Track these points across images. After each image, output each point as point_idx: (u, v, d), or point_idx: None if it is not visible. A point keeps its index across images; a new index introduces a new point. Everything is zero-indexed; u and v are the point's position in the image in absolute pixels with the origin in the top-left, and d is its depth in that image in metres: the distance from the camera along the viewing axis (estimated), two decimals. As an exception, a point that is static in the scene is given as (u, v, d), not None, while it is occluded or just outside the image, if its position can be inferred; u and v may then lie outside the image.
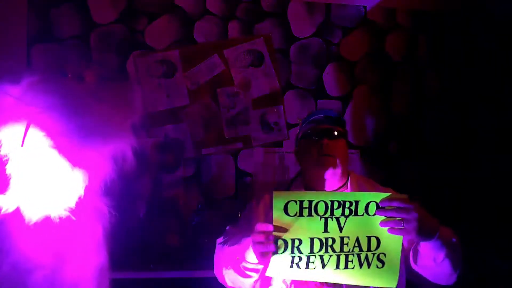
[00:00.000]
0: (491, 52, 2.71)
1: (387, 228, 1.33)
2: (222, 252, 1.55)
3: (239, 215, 1.87)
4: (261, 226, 1.34)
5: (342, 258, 1.38)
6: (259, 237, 1.33)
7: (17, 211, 1.06)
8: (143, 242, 2.37)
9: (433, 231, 1.32)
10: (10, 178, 1.07)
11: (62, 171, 1.08)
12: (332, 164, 1.54)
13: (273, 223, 1.34)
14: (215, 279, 1.64)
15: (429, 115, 2.78)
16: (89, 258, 1.14)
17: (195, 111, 2.56)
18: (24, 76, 1.13)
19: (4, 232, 1.05)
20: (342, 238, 1.37)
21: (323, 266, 1.38)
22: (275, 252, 1.34)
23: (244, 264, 1.45)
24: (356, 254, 1.38)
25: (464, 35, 2.81)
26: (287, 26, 2.68)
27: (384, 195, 1.35)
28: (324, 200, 1.35)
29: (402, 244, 1.38)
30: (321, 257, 1.38)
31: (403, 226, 1.30)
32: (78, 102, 1.13)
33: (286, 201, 1.34)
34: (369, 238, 1.37)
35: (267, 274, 1.39)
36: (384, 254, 1.37)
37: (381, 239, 1.37)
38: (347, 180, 1.62)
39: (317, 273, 1.39)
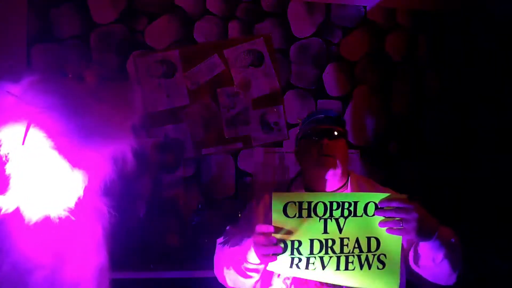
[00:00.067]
0: (491, 52, 2.71)
1: (386, 228, 1.33)
2: (222, 252, 1.55)
3: (239, 215, 1.87)
4: (261, 228, 1.34)
5: (342, 259, 1.38)
6: (260, 238, 1.33)
7: (17, 211, 1.06)
8: (143, 242, 2.37)
9: (432, 231, 1.32)
10: (10, 178, 1.07)
11: (62, 171, 1.08)
12: (332, 164, 1.54)
13: (272, 224, 1.34)
14: (215, 279, 1.64)
15: (429, 115, 2.78)
16: (89, 258, 1.14)
17: (195, 111, 2.56)
18: (24, 76, 1.13)
19: (4, 232, 1.05)
20: (342, 239, 1.37)
21: (323, 267, 1.38)
22: (276, 253, 1.34)
23: (245, 264, 1.45)
24: (356, 255, 1.37)
25: (464, 35, 2.81)
26: (287, 26, 2.68)
27: (383, 195, 1.35)
28: (323, 201, 1.35)
29: (402, 244, 1.38)
30: (321, 258, 1.37)
31: (402, 226, 1.30)
32: (78, 102, 1.13)
33: (285, 203, 1.34)
34: (369, 239, 1.37)
35: (268, 268, 1.40)
36: (385, 255, 1.37)
37: (381, 240, 1.36)
38: (347, 180, 1.62)
39: (317, 274, 1.39)
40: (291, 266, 1.38)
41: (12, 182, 1.07)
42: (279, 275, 1.50)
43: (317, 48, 2.71)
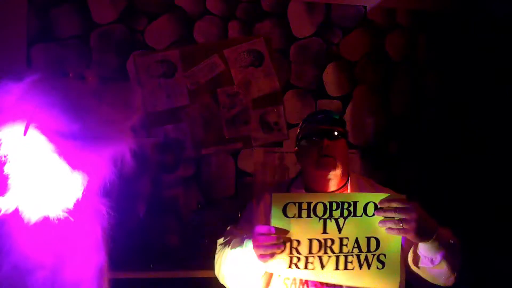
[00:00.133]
0: (491, 52, 2.70)
1: (386, 228, 1.33)
2: (223, 253, 1.56)
3: (239, 215, 1.87)
4: (261, 228, 1.35)
5: (341, 259, 1.38)
6: (260, 238, 1.33)
7: (17, 211, 1.06)
8: (143, 242, 2.37)
9: (431, 232, 1.32)
10: (9, 179, 1.07)
11: (61, 172, 1.08)
12: (332, 165, 1.54)
13: (272, 225, 1.34)
14: (215, 279, 1.64)
15: (429, 115, 2.78)
16: (89, 258, 1.14)
17: (195, 111, 2.56)
18: (24, 76, 1.13)
19: (4, 233, 1.05)
20: (341, 239, 1.37)
21: (322, 266, 1.38)
22: (274, 252, 1.34)
23: (245, 265, 1.45)
24: (356, 255, 1.37)
25: (464, 35, 2.80)
26: (287, 26, 2.68)
27: (383, 195, 1.35)
28: (323, 201, 1.36)
29: (402, 245, 1.38)
30: (320, 258, 1.38)
31: (401, 226, 1.30)
32: (79, 101, 1.13)
33: (285, 203, 1.35)
34: (368, 239, 1.37)
35: (267, 270, 1.40)
36: (384, 255, 1.37)
37: (380, 240, 1.36)
38: (347, 180, 1.62)
39: (316, 274, 1.39)
40: (290, 266, 1.38)
41: (11, 182, 1.07)
42: (279, 276, 1.50)
43: (317, 48, 2.71)
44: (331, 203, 1.35)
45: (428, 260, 1.38)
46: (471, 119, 2.77)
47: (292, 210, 1.35)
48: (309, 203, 1.35)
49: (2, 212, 1.04)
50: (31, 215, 1.06)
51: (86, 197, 1.12)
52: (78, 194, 1.10)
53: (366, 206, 1.35)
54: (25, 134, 1.05)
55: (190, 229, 2.47)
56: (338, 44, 2.73)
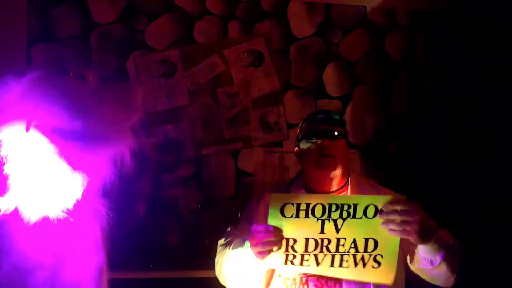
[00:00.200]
0: (491, 52, 2.70)
1: (387, 230, 1.33)
2: (223, 253, 1.56)
3: (239, 215, 1.87)
4: (258, 226, 1.35)
5: (337, 257, 1.38)
6: (257, 236, 1.34)
7: (16, 211, 1.06)
8: (143, 242, 2.37)
9: (431, 234, 1.33)
10: (9, 179, 1.07)
11: (61, 172, 1.08)
12: (332, 165, 1.54)
13: (268, 223, 1.35)
14: (215, 279, 1.64)
15: (429, 115, 2.78)
16: (89, 259, 1.14)
17: (195, 111, 2.56)
18: (25, 76, 1.13)
19: (4, 233, 1.05)
20: (338, 239, 1.37)
21: (317, 264, 1.39)
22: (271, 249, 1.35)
23: (246, 265, 1.45)
24: (352, 254, 1.38)
25: (463, 35, 2.80)
26: (287, 26, 2.68)
27: (383, 197, 1.36)
28: (322, 203, 1.36)
29: (401, 246, 1.38)
30: (316, 256, 1.38)
31: (404, 228, 1.30)
32: (79, 101, 1.13)
33: (283, 203, 1.35)
34: (366, 240, 1.37)
35: (266, 266, 1.41)
36: (381, 256, 1.38)
37: (378, 241, 1.37)
38: (348, 180, 1.62)
39: (311, 269, 1.40)
40: (285, 263, 1.39)
41: (11, 182, 1.07)
42: (279, 276, 1.50)
43: (317, 48, 2.71)
44: (330, 205, 1.35)
45: (428, 261, 1.39)
46: (470, 119, 2.77)
47: (290, 210, 1.36)
48: (307, 204, 1.35)
49: (2, 212, 1.04)
50: (31, 215, 1.06)
51: (86, 197, 1.12)
52: (78, 194, 1.10)
53: (367, 209, 1.35)
54: (27, 130, 1.05)
55: (190, 229, 2.47)
56: (338, 44, 2.73)
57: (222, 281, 1.59)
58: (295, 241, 1.37)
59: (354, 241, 1.37)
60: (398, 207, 1.31)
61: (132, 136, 1.19)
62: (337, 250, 1.37)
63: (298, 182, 1.69)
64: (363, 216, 1.35)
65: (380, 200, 1.35)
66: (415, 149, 2.74)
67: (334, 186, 1.58)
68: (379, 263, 1.38)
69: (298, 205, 1.35)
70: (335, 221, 1.36)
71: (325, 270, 1.40)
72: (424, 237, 1.31)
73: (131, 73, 2.51)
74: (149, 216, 2.44)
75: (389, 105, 2.76)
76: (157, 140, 2.51)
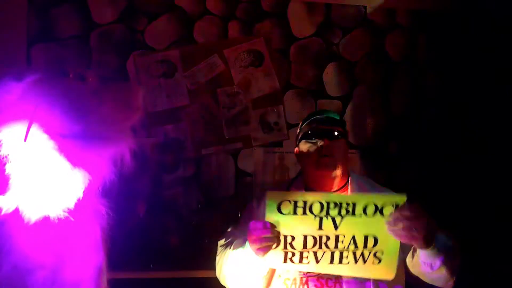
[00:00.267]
0: (491, 52, 2.70)
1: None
2: (224, 254, 1.56)
3: (239, 215, 1.87)
4: (256, 223, 1.35)
5: (337, 254, 1.38)
6: (255, 233, 1.34)
7: (17, 211, 1.06)
8: (143, 242, 2.37)
9: (432, 238, 1.33)
10: (10, 178, 1.07)
11: (62, 172, 1.08)
12: (332, 165, 1.54)
13: (266, 220, 1.35)
14: (215, 279, 1.64)
15: (429, 115, 2.78)
16: (89, 258, 1.14)
17: (195, 111, 2.56)
18: (25, 76, 1.13)
19: (4, 233, 1.05)
20: (337, 236, 1.37)
21: (317, 261, 1.38)
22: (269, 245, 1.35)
23: (246, 265, 1.45)
24: (352, 251, 1.37)
25: (464, 35, 2.80)
26: (287, 26, 2.68)
27: (382, 196, 1.36)
28: (320, 201, 1.35)
29: (400, 247, 1.38)
30: (315, 253, 1.38)
31: (411, 233, 1.30)
32: (79, 101, 1.13)
33: (280, 201, 1.35)
34: (366, 237, 1.37)
35: (266, 265, 1.41)
36: (382, 252, 1.37)
37: (378, 238, 1.36)
38: (348, 180, 1.62)
39: (311, 267, 1.40)
40: (285, 261, 1.38)
41: (12, 182, 1.07)
42: (279, 276, 1.50)
43: (317, 48, 2.71)
44: (328, 203, 1.35)
45: (428, 265, 1.39)
46: (471, 119, 2.77)
47: (287, 207, 1.35)
48: (305, 202, 1.35)
49: (3, 212, 1.04)
50: (32, 214, 1.06)
51: (86, 197, 1.12)
52: (79, 194, 1.10)
53: (366, 207, 1.35)
54: (25, 140, 1.05)
55: (190, 229, 2.47)
56: (338, 44, 2.73)
57: (223, 281, 1.59)
58: (293, 238, 1.36)
59: (353, 238, 1.36)
60: (406, 213, 1.30)
61: (132, 136, 1.19)
62: (336, 247, 1.37)
63: (298, 182, 1.69)
64: (363, 215, 1.35)
65: (380, 199, 1.35)
66: (415, 149, 2.74)
67: (334, 186, 1.58)
68: (379, 259, 1.37)
69: (295, 202, 1.35)
70: (333, 218, 1.36)
71: (325, 267, 1.39)
72: (428, 243, 1.31)
73: (131, 73, 2.51)
74: (149, 216, 2.43)
75: (389, 105, 2.76)
76: (157, 140, 2.51)
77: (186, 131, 2.54)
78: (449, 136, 2.77)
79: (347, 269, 1.40)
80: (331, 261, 1.38)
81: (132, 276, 2.26)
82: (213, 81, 2.58)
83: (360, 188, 1.60)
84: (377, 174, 2.63)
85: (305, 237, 1.36)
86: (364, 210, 1.35)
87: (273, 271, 1.51)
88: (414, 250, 1.41)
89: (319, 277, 1.46)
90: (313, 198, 1.36)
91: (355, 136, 2.69)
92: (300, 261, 1.38)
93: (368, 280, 1.43)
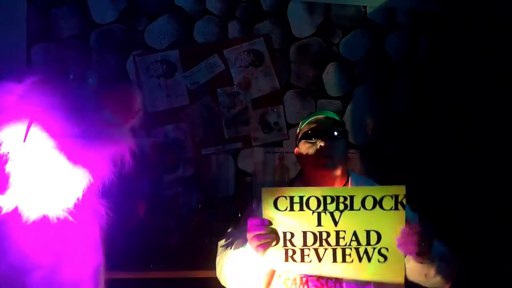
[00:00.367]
0: (491, 52, 2.70)
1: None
2: (224, 254, 1.55)
3: (239, 215, 1.87)
4: (254, 220, 1.35)
5: (339, 251, 1.35)
6: (253, 230, 1.34)
7: (16, 211, 1.06)
8: (143, 242, 2.36)
9: (430, 250, 1.33)
10: (9, 178, 1.07)
11: (62, 171, 1.08)
12: (332, 165, 1.54)
13: (263, 217, 1.35)
14: (215, 279, 1.64)
15: (429, 115, 2.77)
16: (88, 258, 1.14)
17: (195, 111, 2.56)
18: (25, 76, 1.13)
19: (3, 232, 1.05)
20: (337, 232, 1.35)
21: (319, 259, 1.36)
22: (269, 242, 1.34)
23: (247, 265, 1.45)
24: (354, 248, 1.35)
25: (464, 35, 2.80)
26: (287, 26, 2.68)
27: (380, 188, 1.35)
28: (316, 195, 1.34)
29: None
30: (316, 250, 1.36)
31: (420, 248, 1.30)
32: (79, 101, 1.13)
33: (275, 197, 1.34)
34: (368, 232, 1.35)
35: (267, 265, 1.40)
36: (386, 249, 1.35)
37: (382, 233, 1.34)
38: (347, 180, 1.62)
39: (314, 267, 1.37)
40: (286, 260, 1.37)
41: (12, 181, 1.07)
42: (279, 276, 1.50)
43: (317, 48, 2.71)
44: (325, 197, 1.34)
45: (422, 275, 1.39)
46: (471, 119, 2.76)
47: (284, 203, 1.34)
48: (301, 197, 1.34)
49: (3, 211, 1.04)
50: (31, 214, 1.06)
51: (85, 197, 1.12)
52: (78, 194, 1.10)
53: (364, 200, 1.33)
54: (24, 140, 1.05)
55: (190, 229, 2.47)
56: (338, 44, 2.73)
57: (223, 282, 1.59)
58: (292, 235, 1.35)
59: (354, 234, 1.34)
60: (416, 230, 1.30)
61: (132, 136, 1.19)
62: (337, 244, 1.35)
63: (298, 182, 1.69)
64: (362, 208, 1.33)
65: (378, 191, 1.33)
66: (415, 149, 2.74)
67: (334, 186, 1.58)
68: (385, 257, 1.35)
69: (292, 198, 1.33)
70: (331, 214, 1.34)
71: (328, 268, 1.37)
72: (429, 254, 1.32)
73: (131, 73, 2.51)
74: (149, 216, 2.43)
75: (389, 105, 2.76)
76: (157, 140, 2.51)
77: (186, 131, 2.54)
78: (449, 136, 2.77)
79: (352, 271, 1.37)
80: (334, 260, 1.35)
81: (132, 276, 2.26)
82: (213, 81, 2.58)
83: (360, 188, 1.60)
84: (377, 174, 2.62)
85: (305, 234, 1.35)
86: (363, 204, 1.33)
87: (273, 272, 1.51)
88: (408, 261, 1.40)
89: (319, 276, 1.45)
90: (308, 193, 1.35)
91: (355, 136, 2.69)
92: (302, 260, 1.36)
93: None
